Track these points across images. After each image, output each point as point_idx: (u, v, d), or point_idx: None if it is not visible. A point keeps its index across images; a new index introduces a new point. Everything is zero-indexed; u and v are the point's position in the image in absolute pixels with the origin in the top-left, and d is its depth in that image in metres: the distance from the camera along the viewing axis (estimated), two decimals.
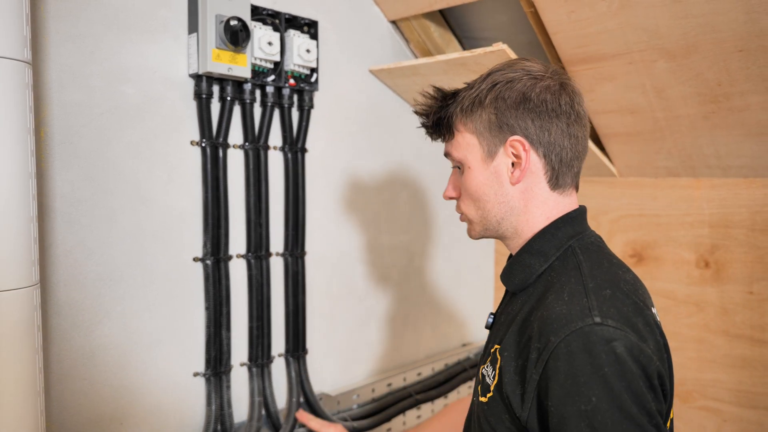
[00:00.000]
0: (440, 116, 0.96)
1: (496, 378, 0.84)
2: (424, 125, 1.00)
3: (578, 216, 0.93)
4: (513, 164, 0.90)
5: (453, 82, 1.56)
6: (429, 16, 1.69)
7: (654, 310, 0.86)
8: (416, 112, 1.00)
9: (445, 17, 1.74)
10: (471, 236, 1.00)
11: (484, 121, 0.90)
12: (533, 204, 0.91)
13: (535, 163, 0.89)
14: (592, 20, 1.35)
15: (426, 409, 1.77)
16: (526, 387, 0.78)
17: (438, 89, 0.98)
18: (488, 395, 0.86)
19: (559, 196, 0.91)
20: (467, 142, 0.93)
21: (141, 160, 1.22)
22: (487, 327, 1.00)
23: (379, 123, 1.70)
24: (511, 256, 0.97)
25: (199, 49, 1.24)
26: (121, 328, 1.21)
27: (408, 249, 1.82)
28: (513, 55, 1.37)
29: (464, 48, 1.81)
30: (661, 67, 1.39)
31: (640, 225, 1.77)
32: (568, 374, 0.73)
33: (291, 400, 1.46)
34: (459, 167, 0.97)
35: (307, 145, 1.50)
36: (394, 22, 1.71)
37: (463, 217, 0.99)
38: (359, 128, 1.64)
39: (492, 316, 1.00)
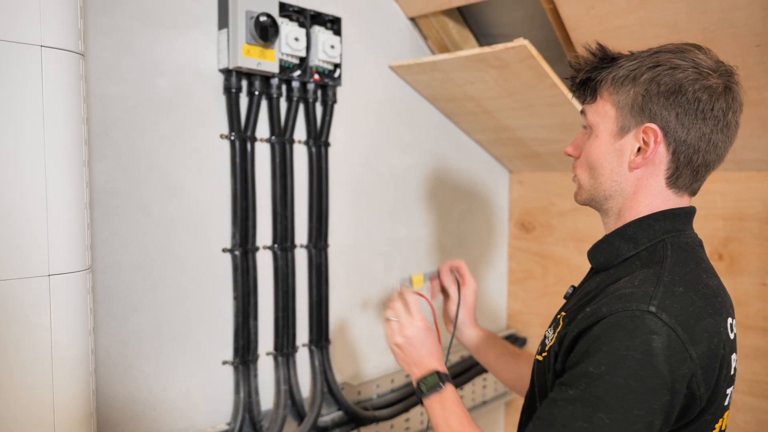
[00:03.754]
0: (590, 77, 0.92)
1: (553, 341, 0.88)
2: (571, 79, 0.96)
3: (682, 214, 0.91)
4: (639, 150, 0.88)
5: (473, 78, 1.59)
6: (447, 13, 1.72)
7: (731, 321, 0.85)
8: (570, 64, 0.96)
9: (463, 14, 1.77)
10: (577, 200, 0.99)
11: (630, 98, 0.88)
12: (643, 194, 0.90)
13: (660, 156, 0.88)
14: (612, 16, 1.38)
15: None
16: (563, 342, 0.83)
17: (602, 47, 0.93)
18: (543, 354, 0.91)
19: (672, 194, 0.90)
20: (605, 111, 0.91)
21: (172, 152, 1.25)
22: (565, 297, 1.02)
23: (398, 118, 1.73)
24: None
25: (229, 44, 1.27)
26: (153, 316, 1.24)
27: (425, 242, 1.85)
28: (533, 51, 1.39)
29: (481, 44, 1.83)
30: None
31: None
32: (598, 338, 0.77)
33: (315, 389, 1.49)
34: (588, 129, 0.95)
35: (330, 139, 1.53)
36: (412, 19, 1.74)
37: (575, 179, 0.98)
38: (378, 123, 1.67)
39: (572, 288, 1.02)
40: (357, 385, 1.60)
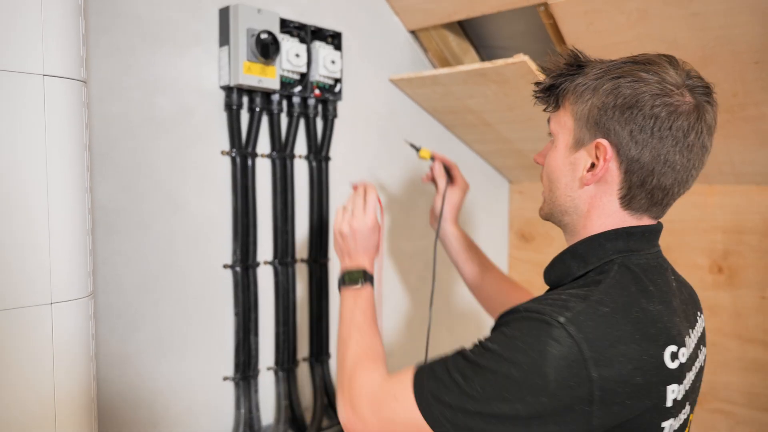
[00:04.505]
0: (555, 84, 0.88)
1: None
2: (536, 84, 0.91)
3: (639, 233, 0.85)
4: (592, 165, 0.83)
5: (473, 92, 1.60)
6: (447, 26, 1.72)
7: (674, 349, 0.78)
8: (541, 68, 0.92)
9: (463, 27, 1.78)
10: (540, 214, 0.96)
11: (586, 110, 0.83)
12: (596, 212, 0.86)
13: (612, 175, 0.83)
14: (611, 32, 1.38)
15: None
16: None
17: (576, 55, 0.87)
18: None
19: (628, 215, 0.85)
20: (564, 121, 0.87)
21: (174, 169, 1.26)
22: None
23: (398, 131, 1.73)
24: None
25: (230, 62, 1.27)
26: (155, 333, 1.24)
27: (426, 254, 1.85)
28: (533, 66, 1.40)
29: (481, 56, 1.84)
30: None
31: None
32: (507, 324, 0.79)
33: (316, 403, 1.49)
34: (552, 138, 0.91)
35: (330, 154, 1.53)
36: (413, 32, 1.74)
37: (542, 193, 0.95)
38: (379, 136, 1.68)
39: None
40: None
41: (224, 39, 1.29)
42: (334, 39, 1.49)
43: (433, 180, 1.39)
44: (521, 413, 0.73)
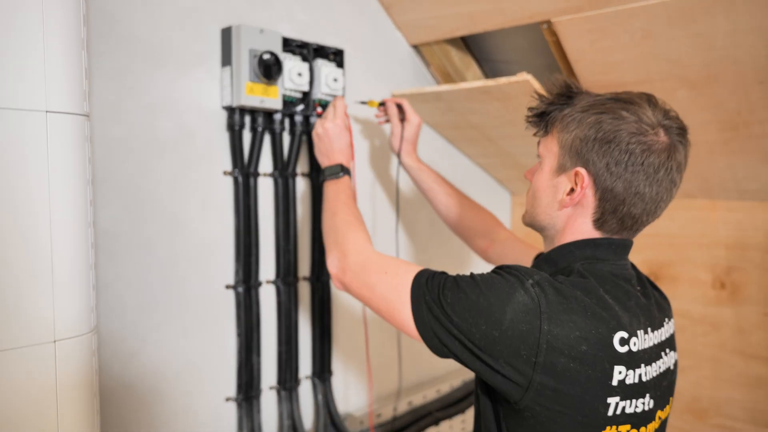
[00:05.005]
0: (545, 111, 0.97)
1: None
2: (529, 110, 1.00)
3: (605, 244, 0.94)
4: (571, 190, 0.93)
5: (476, 108, 1.59)
6: (450, 41, 1.71)
7: (624, 335, 0.85)
8: (537, 94, 1.01)
9: (465, 41, 1.77)
10: (522, 221, 1.05)
11: (569, 140, 0.92)
12: (570, 230, 0.96)
13: (588, 200, 0.92)
14: (615, 49, 1.38)
15: (445, 426, 1.80)
16: None
17: (568, 86, 0.96)
18: None
19: (600, 235, 0.94)
20: (551, 147, 0.96)
21: (176, 190, 1.25)
22: None
23: None
24: None
25: (233, 82, 1.27)
26: (157, 356, 1.24)
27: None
28: (536, 86, 1.39)
29: (483, 70, 1.83)
30: (682, 96, 1.42)
31: (656, 245, 1.80)
32: (493, 270, 0.92)
33: (318, 422, 1.49)
34: (540, 159, 1.01)
35: None
36: (415, 47, 1.74)
37: (526, 202, 1.05)
38: (382, 151, 1.67)
39: None
40: (360, 415, 1.59)
41: (226, 59, 1.28)
42: (336, 56, 1.48)
43: (387, 121, 1.51)
44: (474, 339, 0.84)
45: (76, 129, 0.78)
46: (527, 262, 1.34)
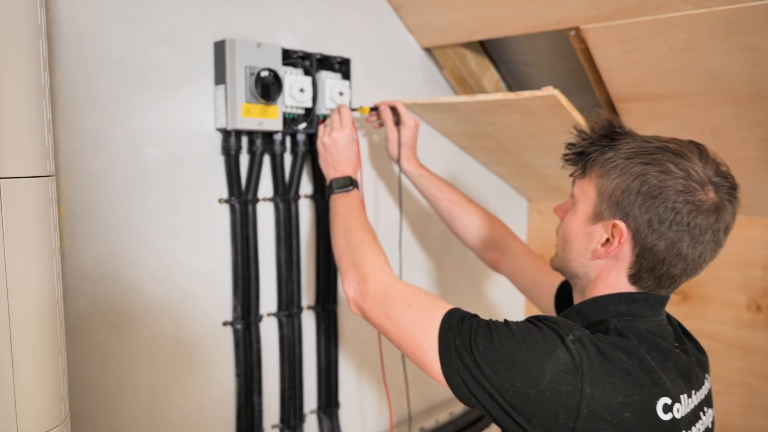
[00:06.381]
0: (585, 151, 0.90)
1: None
2: (568, 146, 0.92)
3: (642, 299, 0.86)
4: (607, 241, 0.86)
5: (493, 120, 1.46)
6: (466, 44, 1.58)
7: (671, 404, 0.78)
8: (577, 131, 0.92)
9: (482, 43, 1.63)
10: (550, 265, 0.98)
11: (610, 188, 0.84)
12: (603, 283, 0.88)
13: (625, 255, 0.85)
14: (650, 60, 1.25)
15: None
16: None
17: (611, 125, 0.89)
18: None
19: (635, 290, 0.87)
20: (587, 191, 0.89)
21: (166, 225, 1.13)
22: None
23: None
24: None
25: (227, 103, 1.14)
26: (148, 405, 1.13)
27: (440, 285, 1.74)
28: (563, 101, 1.26)
29: (501, 73, 1.70)
30: (722, 111, 1.29)
31: None
32: (530, 319, 0.84)
33: None
34: (573, 199, 0.93)
35: None
36: (427, 49, 1.60)
37: (556, 245, 0.97)
38: (391, 165, 1.55)
39: None
40: None
41: (220, 77, 1.15)
42: (342, 66, 1.35)
43: (381, 125, 1.40)
44: (507, 395, 0.77)
45: (37, 194, 0.66)
46: (541, 279, 1.26)
